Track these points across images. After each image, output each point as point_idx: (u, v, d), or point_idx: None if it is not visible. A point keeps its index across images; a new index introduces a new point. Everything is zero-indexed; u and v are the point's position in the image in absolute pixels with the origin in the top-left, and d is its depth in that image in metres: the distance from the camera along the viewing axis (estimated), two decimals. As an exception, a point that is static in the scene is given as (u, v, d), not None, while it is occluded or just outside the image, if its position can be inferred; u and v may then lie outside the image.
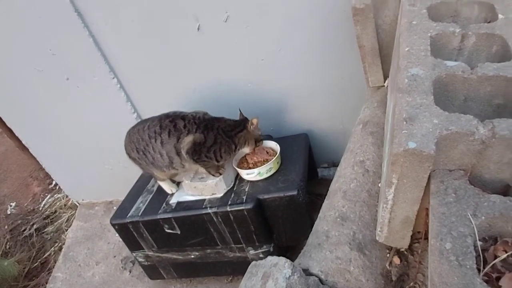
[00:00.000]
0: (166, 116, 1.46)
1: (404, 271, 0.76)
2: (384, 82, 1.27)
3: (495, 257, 0.52)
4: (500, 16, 0.82)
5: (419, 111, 0.61)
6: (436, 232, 0.52)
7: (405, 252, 0.79)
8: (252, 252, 1.62)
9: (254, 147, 1.59)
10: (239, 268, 1.69)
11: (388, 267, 0.78)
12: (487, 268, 0.50)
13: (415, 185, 0.60)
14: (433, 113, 0.60)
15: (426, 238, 0.75)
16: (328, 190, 1.04)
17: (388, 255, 0.80)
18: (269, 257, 0.76)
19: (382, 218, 0.70)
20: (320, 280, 0.74)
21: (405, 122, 0.59)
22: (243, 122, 1.53)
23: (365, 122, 1.16)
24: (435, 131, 0.57)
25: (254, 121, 1.52)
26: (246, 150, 1.59)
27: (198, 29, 1.61)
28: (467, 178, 0.59)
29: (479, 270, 0.49)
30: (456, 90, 0.70)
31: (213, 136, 1.44)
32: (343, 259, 0.76)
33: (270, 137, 1.80)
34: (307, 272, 0.76)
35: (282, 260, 0.73)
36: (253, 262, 0.78)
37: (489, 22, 0.85)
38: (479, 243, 0.51)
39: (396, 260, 0.78)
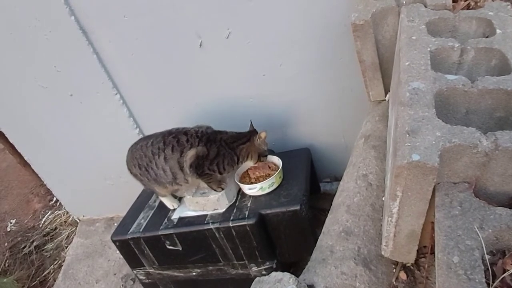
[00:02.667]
0: (169, 132, 1.47)
1: (411, 286, 0.74)
2: (385, 96, 1.28)
3: (504, 270, 0.51)
4: (498, 31, 0.84)
5: (422, 124, 0.61)
6: (443, 246, 0.52)
7: (412, 267, 0.78)
8: (254, 268, 1.60)
9: (257, 161, 1.57)
10: (241, 285, 1.66)
11: (394, 282, 0.76)
12: (497, 282, 0.49)
13: (419, 198, 0.60)
14: (435, 126, 0.60)
15: (433, 252, 0.74)
16: (331, 204, 1.04)
17: (394, 270, 0.79)
18: (273, 273, 0.75)
19: (387, 232, 0.69)
20: (326, 296, 0.73)
21: (407, 135, 0.60)
22: (248, 134, 1.52)
23: (367, 136, 1.16)
24: (438, 144, 0.57)
25: (262, 134, 1.51)
26: (249, 163, 1.58)
27: (201, 45, 1.64)
28: (472, 190, 0.59)
29: (488, 284, 0.48)
30: (457, 103, 0.71)
31: (216, 148, 1.44)
32: (349, 274, 0.74)
33: (272, 152, 1.80)
34: (312, 288, 0.74)
35: (286, 275, 0.72)
36: (257, 278, 0.77)
37: (487, 37, 0.87)
38: (487, 256, 0.51)
39: (403, 275, 0.77)
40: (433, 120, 0.61)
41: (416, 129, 0.60)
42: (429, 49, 0.80)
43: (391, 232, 0.69)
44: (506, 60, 0.75)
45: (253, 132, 1.53)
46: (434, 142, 0.57)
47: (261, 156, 1.57)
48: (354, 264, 0.76)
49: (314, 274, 0.78)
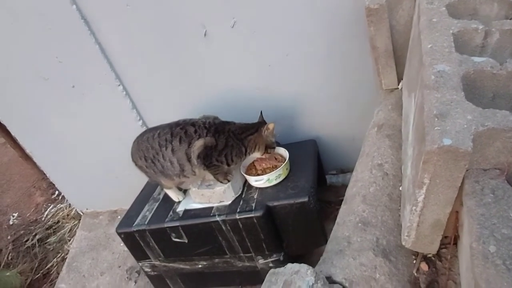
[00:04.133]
0: (177, 124, 1.44)
1: (433, 278, 0.72)
2: (398, 84, 1.24)
3: (543, 260, 0.48)
4: (522, 12, 0.80)
5: (450, 107, 0.58)
6: (477, 235, 0.49)
7: (433, 258, 0.75)
8: (261, 261, 1.58)
9: (264, 153, 1.54)
10: (248, 278, 1.64)
11: (415, 274, 0.74)
12: (537, 272, 0.46)
13: (448, 186, 0.57)
14: (466, 109, 0.57)
15: (455, 243, 0.72)
16: (338, 196, 1.01)
17: (414, 261, 0.76)
18: (290, 264, 0.72)
19: (409, 221, 0.66)
20: (344, 288, 0.70)
21: (436, 119, 0.56)
22: (256, 125, 1.50)
23: (380, 125, 1.13)
24: (470, 127, 0.54)
25: (270, 126, 1.47)
26: (256, 154, 1.55)
27: (205, 35, 1.60)
28: (504, 177, 0.56)
29: (528, 275, 0.45)
30: (484, 87, 0.67)
31: (224, 139, 1.41)
32: (368, 265, 0.72)
33: (278, 143, 1.77)
34: (330, 280, 0.72)
35: (304, 267, 0.69)
36: (272, 270, 0.75)
37: (511, 19, 0.83)
38: (525, 246, 0.48)
39: (424, 266, 0.74)
40: (462, 103, 0.58)
41: (445, 112, 0.57)
42: (451, 31, 0.77)
43: (414, 222, 0.66)
44: (533, 42, 0.72)
45: (261, 123, 1.50)
46: (465, 125, 0.54)
47: (268, 148, 1.53)
48: (373, 255, 0.73)
49: (331, 266, 0.75)
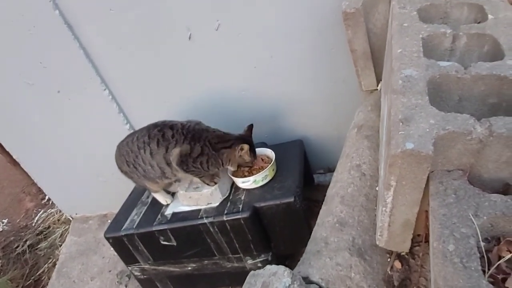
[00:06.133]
0: (155, 125, 1.43)
1: (406, 275, 0.74)
2: (377, 85, 1.27)
3: (499, 257, 0.51)
4: (490, 16, 0.83)
5: (415, 111, 0.60)
6: (438, 234, 0.51)
7: (406, 256, 0.78)
8: (250, 261, 1.59)
9: (237, 170, 1.55)
10: (237, 278, 1.66)
11: (389, 272, 0.76)
12: (492, 269, 0.49)
13: (414, 187, 0.59)
14: (429, 114, 0.59)
15: (427, 241, 0.74)
16: (325, 196, 1.03)
17: (388, 259, 0.78)
18: (268, 266, 0.74)
19: (381, 222, 0.69)
20: (321, 288, 0.72)
21: (401, 123, 0.59)
22: (233, 140, 1.44)
23: (359, 126, 1.15)
24: (432, 131, 0.56)
25: (245, 147, 1.42)
26: (231, 168, 1.53)
27: (190, 38, 1.61)
28: (466, 178, 0.59)
29: (484, 271, 0.48)
30: (450, 90, 0.70)
31: (199, 147, 1.39)
32: (343, 265, 0.74)
33: (264, 144, 1.79)
34: (307, 280, 0.74)
35: (281, 268, 0.71)
36: (252, 272, 0.76)
37: (479, 23, 0.86)
38: (482, 243, 0.50)
39: (398, 264, 0.77)
40: (426, 108, 0.60)
41: (410, 117, 0.59)
42: (421, 35, 0.79)
43: (386, 222, 0.68)
44: (499, 46, 0.75)
45: (238, 140, 1.44)
46: (428, 129, 0.56)
47: (240, 167, 1.52)
48: (349, 254, 0.76)
49: (309, 266, 0.77)
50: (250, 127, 1.52)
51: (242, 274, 1.60)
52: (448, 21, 0.92)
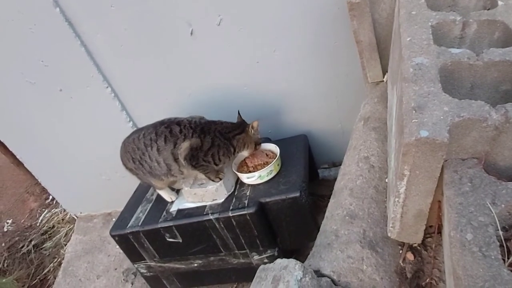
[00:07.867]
0: (161, 123, 1.43)
1: (419, 267, 0.73)
2: (383, 77, 1.25)
3: (518, 246, 0.49)
4: (499, 2, 0.81)
5: (428, 99, 0.59)
6: (455, 223, 0.50)
7: (418, 248, 0.77)
8: (256, 257, 1.59)
9: (254, 150, 1.55)
10: (243, 274, 1.65)
11: (402, 264, 0.75)
12: (512, 258, 0.48)
13: (428, 176, 0.58)
14: (442, 101, 0.58)
15: (439, 232, 0.73)
16: (331, 190, 1.02)
17: (400, 251, 0.77)
18: (279, 260, 0.73)
19: (394, 213, 0.68)
20: (333, 281, 0.71)
21: (414, 111, 0.57)
22: (241, 125, 1.50)
23: (366, 118, 1.14)
24: (446, 119, 0.55)
25: (255, 124, 1.49)
26: (245, 153, 1.56)
27: (191, 33, 1.60)
28: (481, 166, 0.57)
29: (503, 260, 0.46)
30: (462, 78, 0.68)
31: (210, 139, 1.41)
32: (355, 258, 0.73)
33: (268, 140, 1.77)
34: (318, 273, 0.73)
35: (292, 262, 0.70)
36: (262, 266, 0.75)
37: (488, 10, 0.84)
38: (500, 232, 0.49)
39: (410, 256, 0.75)
40: (439, 95, 0.59)
41: (423, 104, 0.58)
42: (430, 23, 0.78)
43: (398, 213, 0.67)
44: (510, 32, 0.73)
45: (244, 123, 1.51)
46: (442, 117, 0.55)
47: (256, 145, 1.55)
48: (360, 247, 0.75)
49: (320, 259, 0.76)
50: (238, 113, 1.55)
51: (248, 270, 1.62)
52: (456, 8, 0.90)
